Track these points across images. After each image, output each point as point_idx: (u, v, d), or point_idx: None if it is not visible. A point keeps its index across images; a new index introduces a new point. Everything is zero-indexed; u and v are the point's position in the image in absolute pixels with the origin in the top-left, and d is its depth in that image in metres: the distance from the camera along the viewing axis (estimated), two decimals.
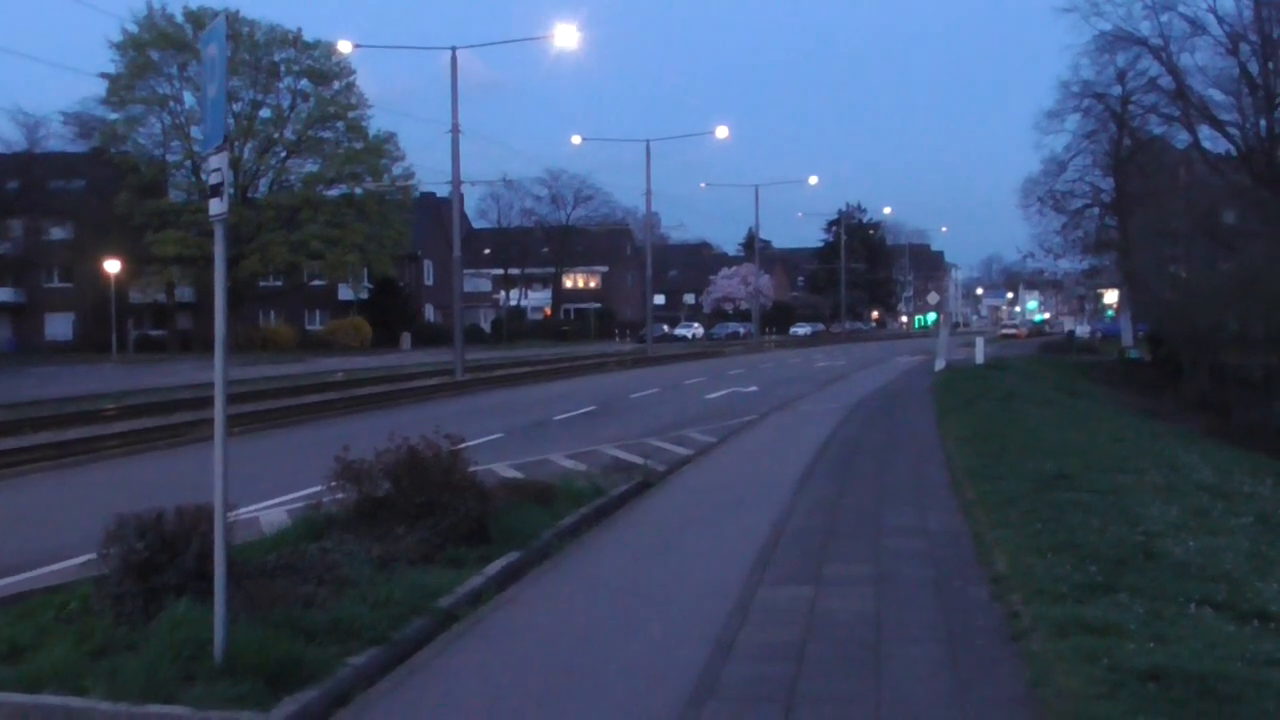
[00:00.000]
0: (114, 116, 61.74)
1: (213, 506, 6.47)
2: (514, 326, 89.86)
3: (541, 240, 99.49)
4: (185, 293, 66.57)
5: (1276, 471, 21.30)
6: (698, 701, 5.84)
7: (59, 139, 66.22)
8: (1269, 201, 44.78)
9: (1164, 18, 47.05)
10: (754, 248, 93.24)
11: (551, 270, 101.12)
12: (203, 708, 5.69)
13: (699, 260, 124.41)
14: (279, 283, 68.36)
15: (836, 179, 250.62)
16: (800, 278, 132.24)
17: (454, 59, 39.92)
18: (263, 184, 64.72)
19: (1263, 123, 45.97)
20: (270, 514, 11.74)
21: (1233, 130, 47.67)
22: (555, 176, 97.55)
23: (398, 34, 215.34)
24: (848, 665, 6.38)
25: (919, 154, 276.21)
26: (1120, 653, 6.03)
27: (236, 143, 60.11)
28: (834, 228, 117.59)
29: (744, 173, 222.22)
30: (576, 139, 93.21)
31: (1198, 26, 46.35)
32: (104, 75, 60.51)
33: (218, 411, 6.42)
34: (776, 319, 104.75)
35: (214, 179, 6.65)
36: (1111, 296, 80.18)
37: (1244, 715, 5.18)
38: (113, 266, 58.61)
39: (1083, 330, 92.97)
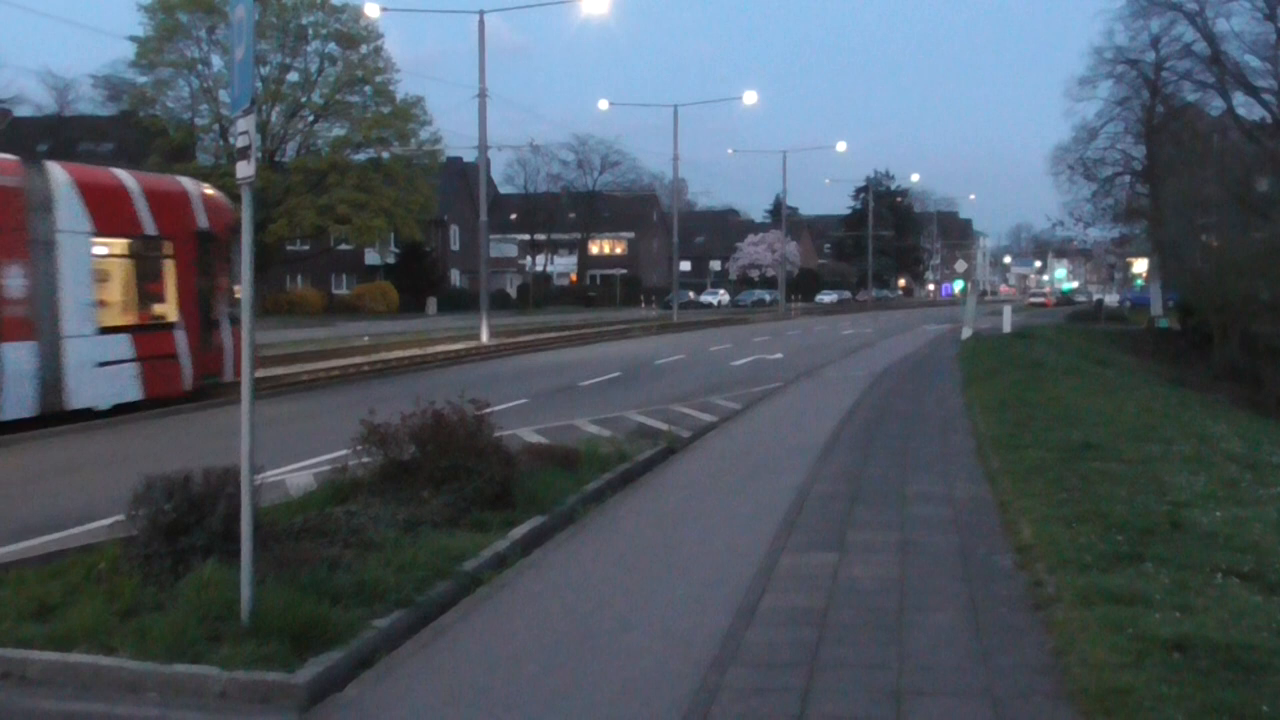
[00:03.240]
0: (143, 80, 61.80)
1: (239, 469, 6.52)
2: (540, 292, 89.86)
3: (568, 206, 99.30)
4: None
5: None
6: (720, 666, 5.86)
7: (88, 102, 66.54)
8: None
9: None
10: (781, 214, 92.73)
11: (578, 236, 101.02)
12: (229, 668, 5.75)
13: (725, 227, 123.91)
14: (306, 247, 68.46)
15: (865, 146, 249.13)
16: (827, 245, 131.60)
17: (481, 22, 39.79)
18: (290, 148, 64.71)
19: None
20: (296, 477, 11.82)
21: (1268, 97, 47.06)
22: (582, 142, 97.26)
23: None
24: (870, 632, 6.38)
25: (948, 121, 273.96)
26: (1145, 622, 6.00)
27: (264, 107, 60.06)
28: (861, 195, 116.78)
29: (772, 139, 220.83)
30: (604, 104, 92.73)
31: None
32: (133, 38, 60.56)
33: (245, 374, 6.44)
34: (803, 286, 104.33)
35: (241, 142, 6.65)
36: (1141, 265, 79.49)
37: (1270, 685, 5.15)
38: None
39: (1112, 299, 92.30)
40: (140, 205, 18.64)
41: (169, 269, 19.32)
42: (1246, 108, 48.72)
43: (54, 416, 16.65)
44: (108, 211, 17.89)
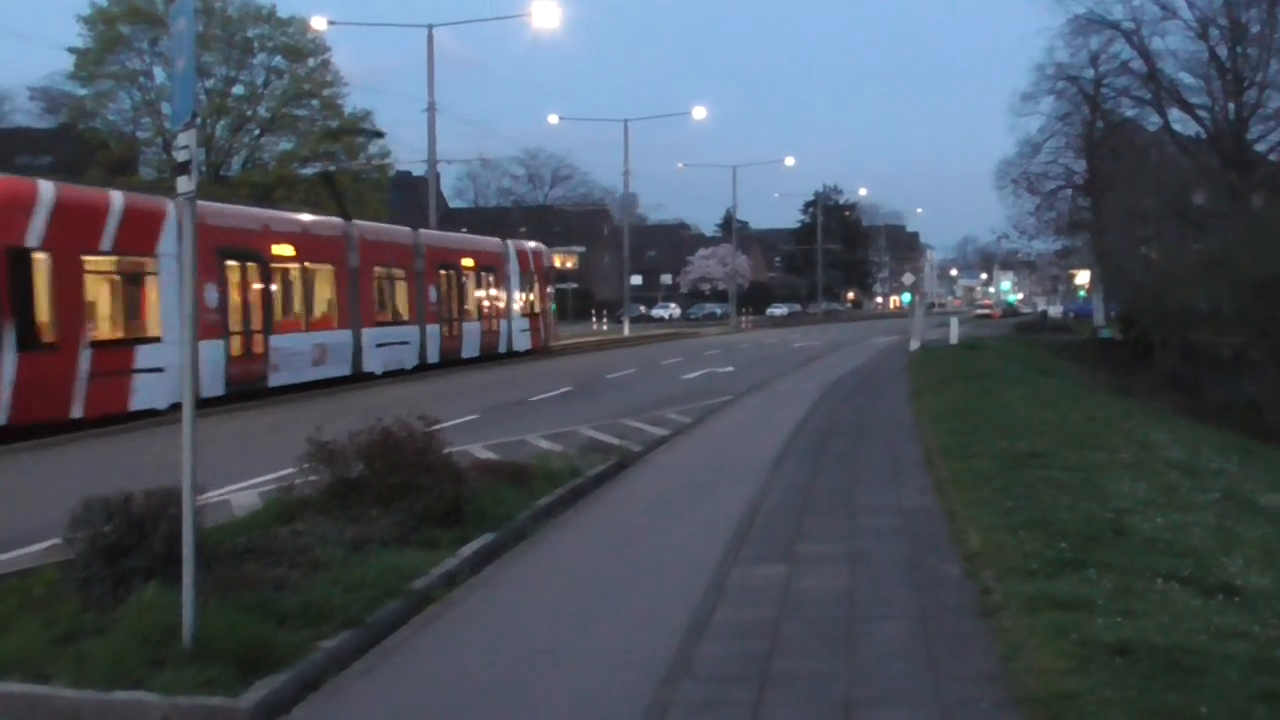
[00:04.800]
0: (83, 92, 60.93)
1: (181, 488, 6.42)
2: None
3: (519, 220, 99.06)
4: None
5: (1244, 448, 21.52)
6: (672, 681, 5.85)
7: (25, 114, 65.49)
8: (1237, 183, 45.14)
9: (1136, 2, 47.47)
10: (731, 228, 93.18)
11: None
12: (171, 693, 5.65)
13: (676, 241, 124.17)
14: None
15: (814, 160, 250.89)
16: (777, 258, 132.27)
17: (430, 37, 39.77)
18: (236, 162, 64.09)
19: (1231, 106, 46.31)
20: (242, 496, 11.68)
21: (1202, 113, 48.03)
22: (533, 156, 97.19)
23: (375, 11, 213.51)
24: (821, 643, 6.40)
25: (895, 136, 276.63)
26: (1089, 628, 6.07)
27: (209, 120, 59.46)
28: (811, 209, 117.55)
29: (722, 153, 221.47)
30: (554, 118, 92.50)
31: (1169, 11, 46.69)
32: (72, 49, 59.72)
33: (185, 391, 6.36)
34: (753, 299, 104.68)
35: (182, 156, 6.59)
36: (1084, 277, 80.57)
37: (1208, 687, 5.22)
38: None
39: (1056, 310, 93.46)
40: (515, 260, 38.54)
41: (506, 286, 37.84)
42: (1182, 123, 49.73)
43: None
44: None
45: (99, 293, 20.17)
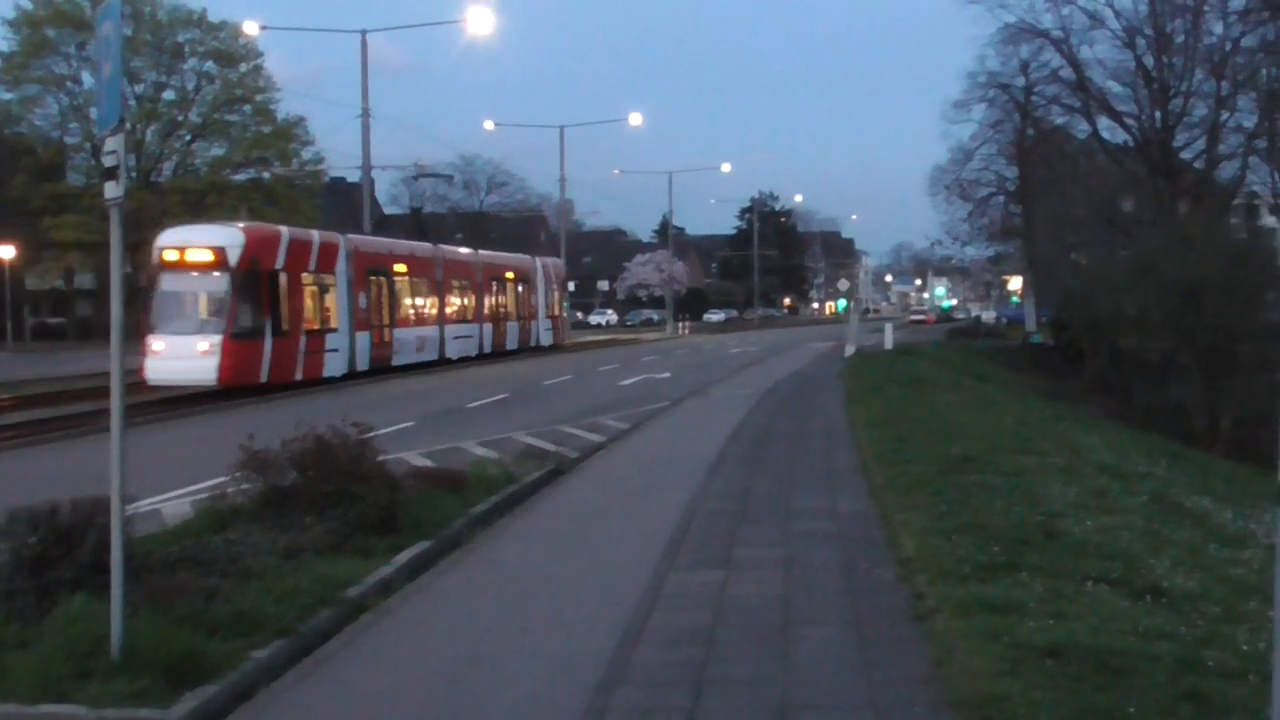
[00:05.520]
0: (8, 96, 59.82)
1: (110, 498, 6.31)
2: None
3: (454, 226, 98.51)
4: (85, 279, 64.82)
5: (1171, 452, 22.00)
6: (607, 687, 5.85)
7: None
8: (1164, 190, 46.07)
9: (1065, 11, 48.08)
10: (668, 234, 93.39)
11: None
12: (98, 706, 5.54)
13: (613, 247, 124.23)
14: None
15: (750, 167, 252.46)
16: (714, 264, 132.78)
17: (364, 42, 39.46)
18: (167, 168, 63.16)
19: (1158, 114, 47.21)
20: (173, 506, 11.49)
21: (1130, 121, 48.92)
22: (468, 162, 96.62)
23: (308, 15, 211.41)
24: (756, 648, 6.43)
25: (830, 143, 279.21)
26: (1021, 630, 6.16)
27: (139, 125, 58.57)
28: (747, 215, 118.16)
29: (658, 159, 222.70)
30: (489, 124, 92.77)
31: (1097, 20, 47.44)
32: None
33: (114, 399, 6.25)
34: (690, 305, 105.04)
35: (109, 161, 6.47)
36: (1016, 283, 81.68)
37: (1136, 687, 5.32)
38: (7, 252, 56.75)
39: (989, 316, 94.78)
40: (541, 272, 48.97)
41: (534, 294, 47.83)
42: (1110, 131, 50.59)
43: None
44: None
45: (307, 298, 29.02)
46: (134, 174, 57.43)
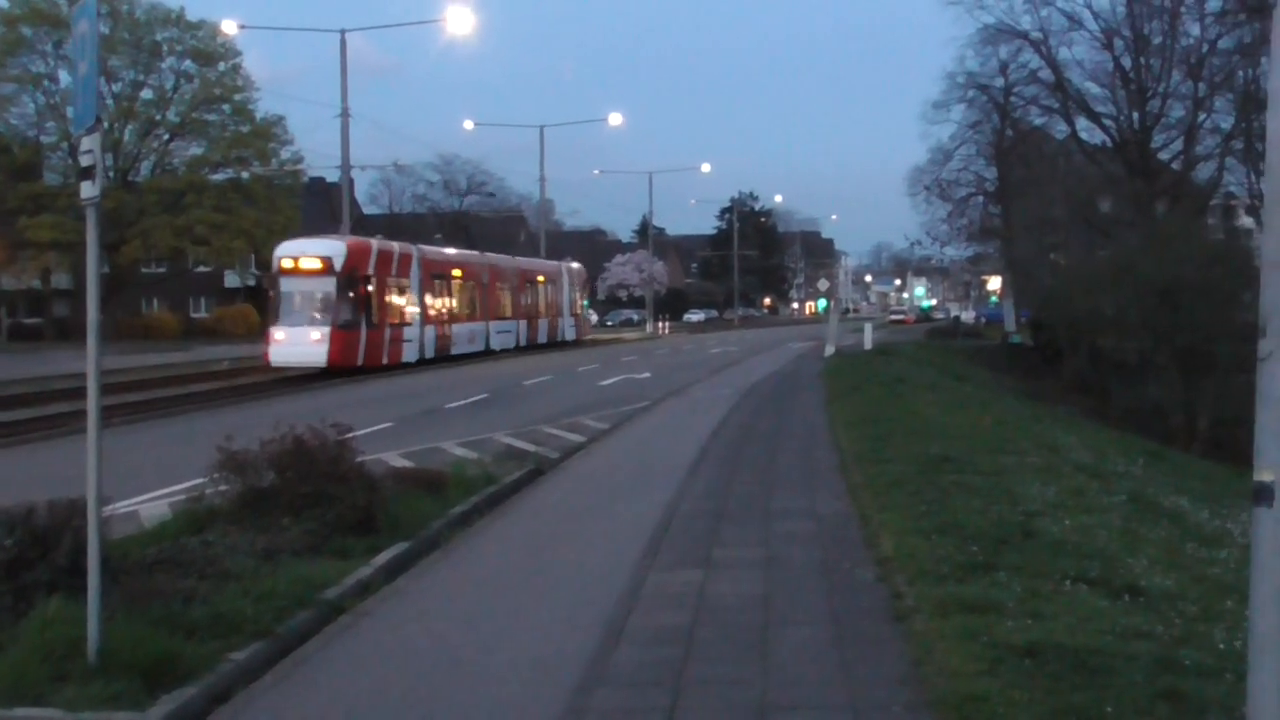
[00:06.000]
0: None
1: (87, 500, 6.26)
2: None
3: (434, 226, 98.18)
4: (62, 279, 64.40)
5: (1148, 452, 22.12)
6: (586, 688, 5.84)
7: None
8: (1142, 191, 46.32)
9: (1044, 12, 48.27)
10: (648, 234, 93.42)
11: None
12: (75, 709, 5.49)
13: (593, 247, 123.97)
14: (162, 269, 66.51)
15: (729, 167, 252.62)
16: (694, 264, 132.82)
17: (343, 41, 39.26)
18: (145, 167, 62.77)
19: (1135, 115, 47.48)
20: (151, 507, 11.42)
21: (1108, 122, 49.19)
22: (448, 162, 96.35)
23: (287, 15, 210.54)
24: (735, 648, 6.43)
25: (810, 143, 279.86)
26: (999, 630, 6.18)
27: (116, 125, 58.17)
28: (727, 215, 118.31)
29: (638, 159, 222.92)
30: (469, 124, 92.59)
31: (1075, 21, 47.67)
32: None
33: (90, 400, 6.21)
34: (670, 305, 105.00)
35: (85, 161, 6.43)
36: (995, 283, 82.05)
37: (1114, 687, 5.34)
38: None
39: (968, 316, 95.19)
40: (566, 275, 55.52)
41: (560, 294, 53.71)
42: (1088, 132, 50.83)
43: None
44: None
45: (391, 298, 35.56)
46: (111, 173, 57.08)
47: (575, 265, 59.07)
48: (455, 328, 40.94)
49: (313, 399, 24.69)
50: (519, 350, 46.48)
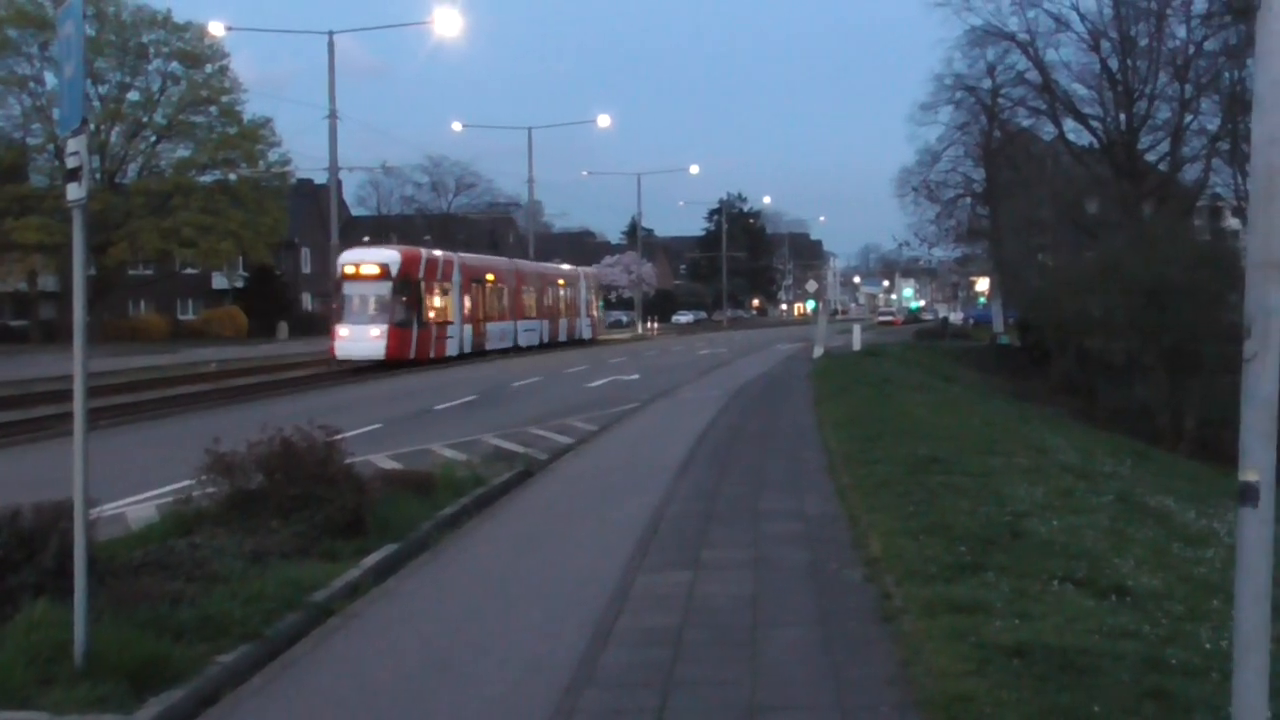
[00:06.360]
0: None
1: (73, 502, 6.24)
2: None
3: (422, 228, 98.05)
4: (49, 282, 64.15)
5: (1136, 452, 22.20)
6: (575, 689, 5.84)
7: None
8: (1128, 192, 46.47)
9: (1031, 14, 48.41)
10: (637, 236, 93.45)
11: None
12: (61, 712, 5.47)
13: (582, 248, 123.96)
14: (150, 271, 66.33)
15: (718, 168, 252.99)
16: (682, 266, 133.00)
17: (331, 43, 39.26)
18: (131, 169, 62.59)
19: (1122, 116, 47.63)
20: (138, 509, 11.39)
21: (1095, 123, 49.33)
22: (436, 163, 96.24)
23: (275, 16, 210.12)
24: (724, 649, 6.44)
25: (799, 145, 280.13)
26: (987, 630, 6.19)
27: (103, 126, 58.01)
28: (715, 216, 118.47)
29: (627, 161, 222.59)
30: (457, 126, 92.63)
31: (1062, 23, 47.80)
32: None
33: (77, 402, 6.19)
34: (659, 307, 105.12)
35: (72, 163, 6.41)
36: (983, 284, 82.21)
37: (1101, 686, 5.36)
38: None
39: (956, 317, 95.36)
40: (583, 280, 61.73)
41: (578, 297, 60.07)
42: (1076, 133, 50.98)
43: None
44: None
45: (437, 299, 40.51)
46: (98, 175, 56.85)
47: (591, 270, 66.20)
48: (489, 326, 45.98)
49: (302, 401, 24.65)
50: (542, 347, 51.49)
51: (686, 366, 36.73)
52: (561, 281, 57.88)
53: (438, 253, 42.65)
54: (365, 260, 38.46)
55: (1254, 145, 3.84)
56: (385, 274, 37.69)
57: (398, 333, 37.22)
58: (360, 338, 36.82)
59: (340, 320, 37.44)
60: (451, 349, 41.09)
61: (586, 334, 60.71)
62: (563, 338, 56.01)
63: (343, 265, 38.17)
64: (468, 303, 43.36)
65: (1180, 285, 31.35)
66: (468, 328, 43.17)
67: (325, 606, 7.57)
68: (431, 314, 39.73)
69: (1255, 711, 3.87)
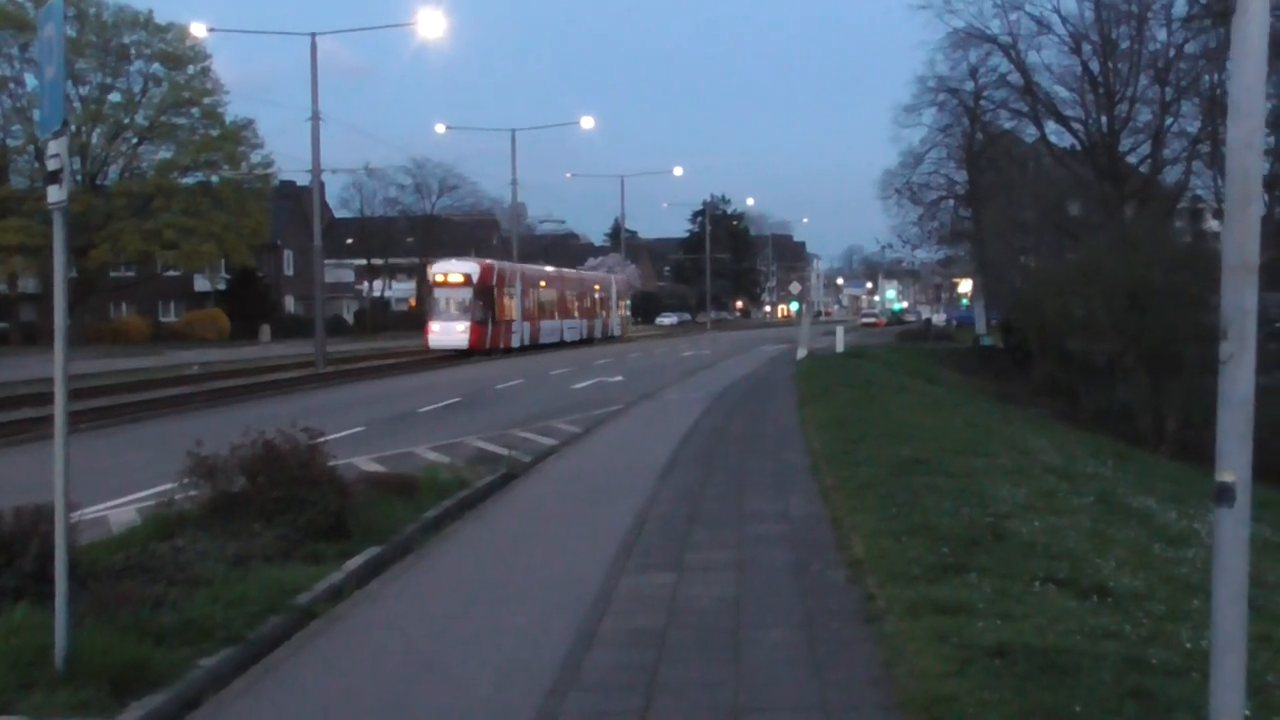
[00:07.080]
0: None
1: (54, 506, 6.22)
2: (378, 318, 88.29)
3: (406, 230, 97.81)
4: (29, 284, 63.80)
5: (1118, 453, 22.30)
6: (559, 692, 5.84)
7: None
8: (1110, 194, 46.65)
9: (1013, 16, 48.52)
10: (620, 238, 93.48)
11: (416, 260, 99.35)
12: (41, 716, 5.45)
13: (566, 250, 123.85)
14: (131, 273, 66.05)
15: (701, 170, 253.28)
16: (666, 268, 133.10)
17: (314, 45, 39.10)
18: (113, 171, 62.28)
19: (1104, 119, 47.79)
20: (120, 513, 11.35)
21: (1077, 126, 49.48)
22: (420, 165, 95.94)
23: (256, 18, 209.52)
24: (708, 651, 6.45)
25: (782, 147, 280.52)
26: (969, 631, 6.22)
27: (84, 128, 57.72)
28: (699, 218, 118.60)
29: (610, 163, 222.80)
30: (441, 128, 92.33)
31: (1044, 26, 47.95)
32: None
33: (58, 405, 6.16)
34: (643, 309, 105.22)
35: (53, 165, 6.38)
36: (966, 285, 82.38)
37: (1082, 687, 5.38)
38: None
39: (939, 318, 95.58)
40: (614, 285, 73.33)
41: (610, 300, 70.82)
42: (1058, 135, 51.09)
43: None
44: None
45: (504, 300, 49.79)
46: (79, 177, 56.61)
47: (621, 276, 77.04)
48: (543, 324, 55.71)
49: (286, 404, 24.56)
50: (581, 342, 60.69)
51: (670, 368, 36.74)
52: (597, 287, 68.63)
53: (505, 264, 53.01)
54: (452, 270, 48.48)
55: (1229, 149, 3.87)
56: (468, 281, 47.19)
57: (478, 328, 46.78)
58: (448, 332, 46.59)
59: (432, 318, 47.92)
60: (515, 342, 50.65)
61: (616, 331, 70.91)
62: (598, 335, 66.07)
63: (434, 274, 49.11)
64: (527, 305, 53.13)
65: (1161, 287, 31.46)
66: (527, 325, 52.76)
67: (308, 609, 7.55)
68: (502, 314, 49.43)
69: (1232, 710, 3.89)
